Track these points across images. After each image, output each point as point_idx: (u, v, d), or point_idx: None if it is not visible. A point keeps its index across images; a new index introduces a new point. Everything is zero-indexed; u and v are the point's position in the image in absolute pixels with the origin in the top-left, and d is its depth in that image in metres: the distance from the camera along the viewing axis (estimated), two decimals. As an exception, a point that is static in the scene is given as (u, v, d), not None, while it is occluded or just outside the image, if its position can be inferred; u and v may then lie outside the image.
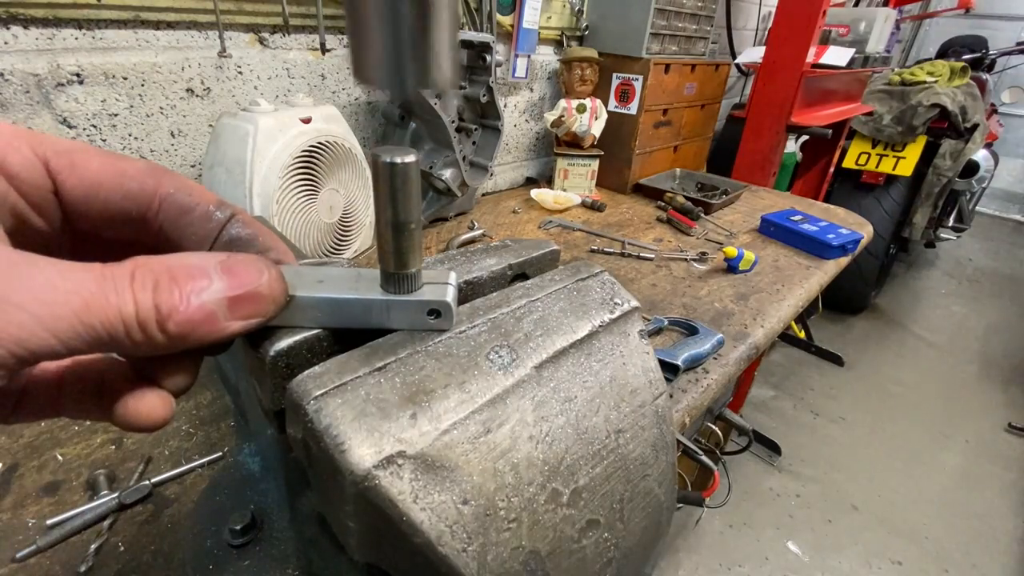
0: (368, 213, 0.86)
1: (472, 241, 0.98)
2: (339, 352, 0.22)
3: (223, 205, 0.21)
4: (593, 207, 1.19)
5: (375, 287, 0.22)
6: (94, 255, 0.19)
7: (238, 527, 0.39)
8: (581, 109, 1.18)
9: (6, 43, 0.61)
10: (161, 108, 0.74)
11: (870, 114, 2.06)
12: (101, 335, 0.15)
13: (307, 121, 0.71)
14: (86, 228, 0.19)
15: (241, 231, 0.22)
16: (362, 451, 0.18)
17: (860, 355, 2.27)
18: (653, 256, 0.95)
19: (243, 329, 0.19)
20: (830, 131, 1.68)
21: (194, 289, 0.17)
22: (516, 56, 1.14)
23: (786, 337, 2.23)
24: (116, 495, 0.42)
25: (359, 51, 0.18)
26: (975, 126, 2.12)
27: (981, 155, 2.33)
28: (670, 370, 0.60)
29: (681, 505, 0.72)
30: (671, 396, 0.58)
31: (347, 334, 0.24)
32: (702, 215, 1.13)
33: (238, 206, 0.22)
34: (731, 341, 0.69)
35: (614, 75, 1.22)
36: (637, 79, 1.19)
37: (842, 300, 2.47)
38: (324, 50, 0.84)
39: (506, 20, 1.09)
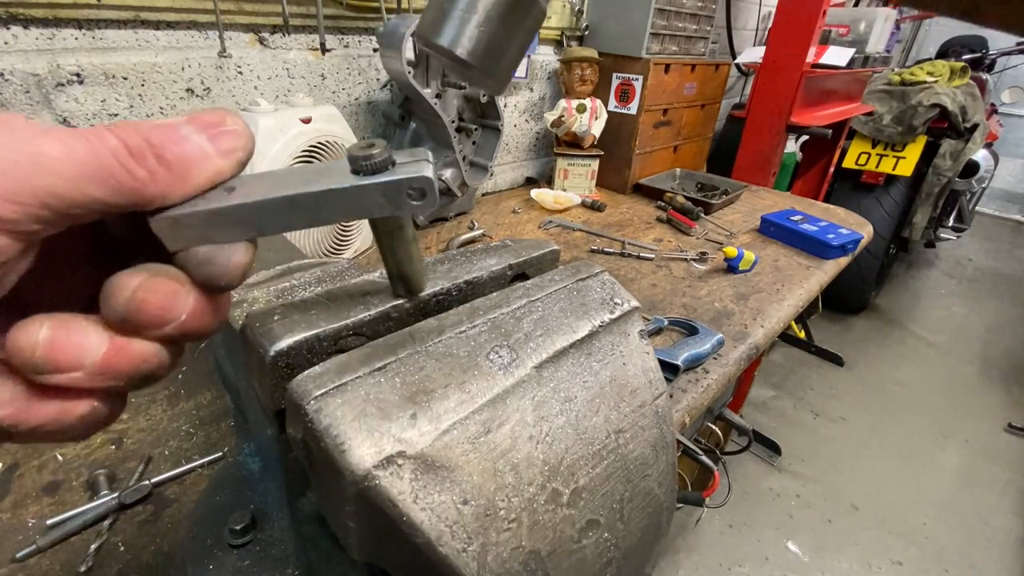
0: (368, 213, 0.86)
1: (472, 241, 0.98)
2: (339, 352, 0.22)
3: None
4: (593, 207, 1.19)
5: (347, 174, 0.21)
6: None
7: (238, 527, 0.39)
8: (581, 109, 1.18)
9: (6, 43, 0.61)
10: (161, 108, 0.74)
11: (870, 114, 2.06)
12: (101, 173, 0.16)
13: (307, 121, 0.71)
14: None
15: None
16: (362, 451, 0.18)
17: (860, 355, 2.27)
18: (653, 256, 0.95)
19: (233, 166, 0.19)
20: (830, 131, 1.68)
21: (173, 130, 0.18)
22: (516, 56, 1.14)
23: (786, 337, 2.23)
24: (116, 495, 0.42)
25: (433, 5, 0.18)
26: (975, 126, 2.12)
27: (981, 155, 2.33)
28: (670, 370, 0.60)
29: (681, 505, 0.72)
30: (671, 396, 0.58)
31: (349, 334, 0.24)
32: (702, 215, 1.13)
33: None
34: (731, 341, 0.69)
35: (614, 75, 1.22)
36: (637, 79, 1.19)
37: (842, 300, 2.47)
38: (324, 50, 0.84)
39: (506, 20, 1.09)
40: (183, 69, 0.74)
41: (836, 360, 2.20)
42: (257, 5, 0.77)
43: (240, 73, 0.80)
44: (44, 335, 0.17)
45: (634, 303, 0.29)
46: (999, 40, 2.85)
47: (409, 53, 0.78)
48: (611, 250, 0.96)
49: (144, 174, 0.17)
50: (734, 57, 1.93)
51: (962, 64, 2.16)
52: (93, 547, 0.38)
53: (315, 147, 0.72)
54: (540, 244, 0.33)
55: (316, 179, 0.20)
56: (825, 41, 1.65)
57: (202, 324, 0.19)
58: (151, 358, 0.19)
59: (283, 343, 0.22)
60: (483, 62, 0.19)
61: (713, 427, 1.19)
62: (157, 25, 0.70)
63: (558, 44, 1.28)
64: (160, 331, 0.18)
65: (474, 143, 1.01)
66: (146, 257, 0.20)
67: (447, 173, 0.93)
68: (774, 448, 1.73)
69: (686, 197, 1.20)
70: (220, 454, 0.47)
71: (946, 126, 2.08)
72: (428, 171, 0.20)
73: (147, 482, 0.43)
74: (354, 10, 0.88)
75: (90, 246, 0.21)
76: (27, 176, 0.14)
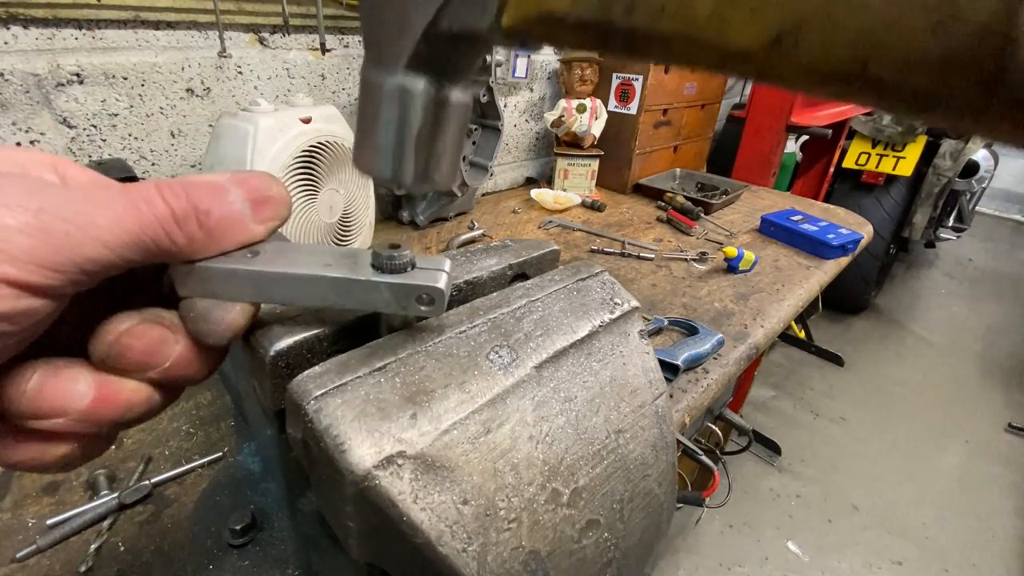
0: (368, 213, 0.86)
1: (472, 241, 0.98)
2: (339, 352, 0.22)
3: None
4: (593, 207, 1.19)
5: (366, 267, 0.21)
6: None
7: (238, 527, 0.39)
8: (581, 109, 1.18)
9: (6, 43, 0.61)
10: (161, 108, 0.74)
11: (870, 114, 2.06)
12: (143, 239, 0.16)
13: (307, 121, 0.71)
14: None
15: None
16: (362, 451, 0.18)
17: (860, 355, 2.27)
18: (653, 256, 0.95)
19: (266, 233, 0.20)
20: (830, 131, 1.68)
21: (222, 193, 0.18)
22: (516, 56, 1.14)
23: (786, 337, 2.23)
24: (116, 495, 0.42)
25: (365, 142, 0.20)
26: (975, 126, 2.12)
27: (981, 155, 2.33)
28: (670, 370, 0.60)
29: (681, 505, 0.72)
30: (671, 396, 0.58)
31: (347, 334, 0.24)
32: (702, 215, 1.13)
33: None
34: (731, 341, 0.69)
35: (614, 75, 1.22)
36: (637, 79, 1.19)
37: (842, 300, 2.47)
38: (324, 50, 0.84)
39: (506, 20, 1.09)
40: (183, 69, 0.74)
41: (836, 360, 2.20)
42: (257, 5, 0.77)
43: (240, 73, 0.80)
44: (32, 384, 0.17)
45: (634, 303, 0.29)
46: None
47: (409, 53, 0.78)
48: (611, 250, 0.96)
49: (184, 240, 0.17)
50: (734, 57, 1.92)
51: (962, 64, 2.16)
52: (93, 547, 0.38)
53: (315, 147, 0.72)
54: (540, 244, 0.33)
55: (336, 264, 0.21)
56: (825, 41, 1.65)
57: (188, 372, 0.20)
58: (138, 405, 0.19)
59: (283, 343, 0.22)
60: (428, 178, 0.20)
61: (713, 427, 1.19)
62: (157, 25, 0.70)
63: (558, 44, 1.28)
64: (143, 375, 0.19)
65: (474, 143, 1.01)
66: (154, 292, 0.21)
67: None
68: (774, 448, 1.73)
69: (686, 197, 1.20)
70: (220, 454, 0.47)
71: (946, 126, 2.07)
72: (442, 282, 0.21)
73: (147, 482, 0.43)
74: (354, 10, 0.88)
75: (104, 287, 0.21)
76: (74, 247, 0.15)
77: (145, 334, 0.18)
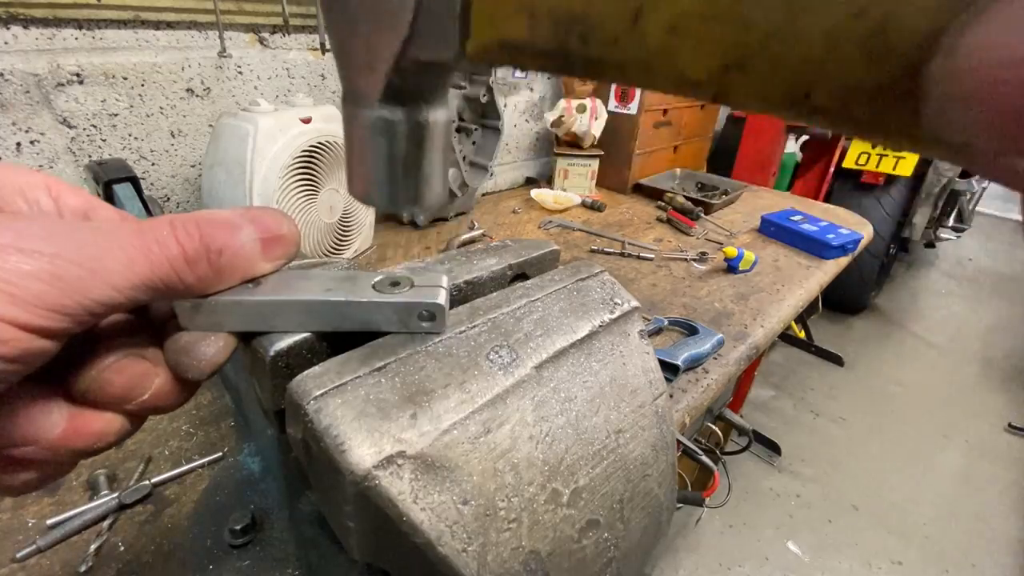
0: (368, 213, 0.86)
1: (472, 241, 0.98)
2: (339, 352, 0.22)
3: None
4: (593, 207, 1.19)
5: (367, 288, 0.22)
6: None
7: (238, 527, 0.39)
8: (581, 109, 1.18)
9: (6, 43, 0.61)
10: (161, 108, 0.74)
11: (870, 114, 2.06)
12: (153, 280, 0.17)
13: (307, 121, 0.71)
14: None
15: None
16: (362, 451, 0.18)
17: (860, 355, 2.27)
18: (653, 256, 0.95)
19: (273, 269, 0.21)
20: (830, 131, 1.68)
21: (234, 233, 0.19)
22: (516, 56, 1.14)
23: (786, 337, 2.23)
24: (116, 495, 0.42)
25: (355, 173, 0.21)
26: (975, 126, 2.12)
27: (981, 155, 2.33)
28: (670, 370, 0.60)
29: (681, 505, 0.72)
30: (671, 396, 0.58)
31: (348, 334, 0.24)
32: (702, 215, 1.13)
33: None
34: (731, 341, 0.69)
35: (614, 75, 1.22)
36: (637, 79, 1.19)
37: (842, 300, 2.47)
38: (324, 50, 0.84)
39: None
40: (183, 69, 0.74)
41: (836, 360, 2.20)
42: (257, 5, 0.77)
43: (240, 73, 0.80)
44: (5, 412, 0.17)
45: (634, 303, 0.29)
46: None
47: (409, 53, 0.78)
48: (611, 250, 0.96)
49: (194, 280, 0.18)
50: (734, 57, 1.92)
51: (962, 64, 2.16)
52: (93, 547, 0.38)
53: (315, 147, 0.72)
54: (540, 244, 0.33)
55: (336, 287, 0.21)
56: (825, 41, 1.65)
57: (164, 403, 0.20)
58: (107, 435, 0.19)
59: (283, 343, 0.22)
60: (420, 200, 0.21)
61: (713, 427, 1.19)
62: (157, 25, 0.70)
63: (558, 44, 1.28)
64: (120, 408, 0.19)
65: (474, 143, 1.01)
66: (138, 320, 0.21)
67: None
68: (774, 448, 1.73)
69: (686, 197, 1.20)
70: (220, 454, 0.47)
71: (946, 126, 2.08)
72: (442, 297, 0.22)
73: (147, 482, 0.43)
74: (354, 10, 0.88)
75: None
76: (85, 290, 0.15)
77: (127, 369, 0.18)
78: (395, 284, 0.22)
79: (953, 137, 0.09)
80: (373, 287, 0.22)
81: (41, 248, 0.15)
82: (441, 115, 0.20)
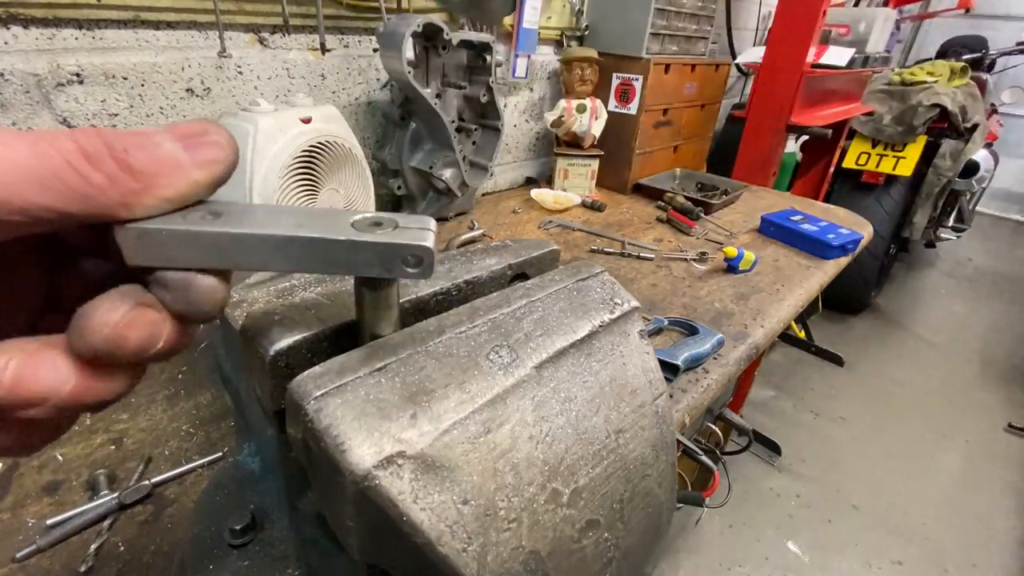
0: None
1: (472, 241, 0.98)
2: (339, 352, 0.22)
3: None
4: (593, 207, 1.19)
5: (345, 227, 0.19)
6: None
7: (238, 527, 0.39)
8: (581, 109, 1.18)
9: (6, 43, 0.61)
10: (161, 108, 0.74)
11: (870, 114, 2.06)
12: (50, 182, 0.14)
13: (307, 121, 0.71)
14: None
15: None
16: (362, 451, 0.18)
17: (860, 355, 2.27)
18: (653, 256, 0.95)
19: (210, 178, 0.18)
20: (830, 131, 1.68)
21: (144, 137, 0.16)
22: (516, 56, 1.14)
23: (786, 337, 2.23)
24: (116, 495, 0.42)
25: None
26: (975, 126, 2.12)
27: (981, 155, 2.33)
28: (670, 370, 0.60)
29: (681, 505, 0.72)
30: (671, 396, 0.58)
31: (349, 334, 0.24)
32: (702, 215, 1.13)
33: None
34: (731, 341, 0.69)
35: (614, 75, 1.22)
36: (637, 79, 1.19)
37: (842, 300, 2.47)
38: (324, 50, 0.84)
39: (506, 20, 1.09)
40: (183, 69, 0.74)
41: (836, 360, 2.20)
42: (257, 5, 0.77)
43: (240, 73, 0.80)
44: (11, 373, 0.15)
45: (634, 303, 0.29)
46: (999, 40, 2.85)
47: (409, 53, 0.78)
48: (611, 250, 0.96)
49: (101, 179, 0.15)
50: (734, 57, 1.93)
51: (962, 64, 2.16)
52: (93, 547, 0.38)
53: (315, 147, 0.72)
54: (540, 244, 0.33)
55: (311, 224, 0.19)
56: (825, 41, 1.65)
57: (172, 350, 0.18)
58: (118, 386, 0.17)
59: (283, 343, 0.22)
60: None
61: (713, 427, 1.19)
62: (157, 25, 0.70)
63: (558, 44, 1.28)
64: (134, 361, 0.17)
65: (474, 143, 1.01)
66: (106, 267, 0.19)
67: (447, 173, 0.93)
68: (774, 448, 1.73)
69: (686, 197, 1.20)
70: (220, 454, 0.47)
71: (946, 126, 2.08)
72: (430, 240, 0.19)
73: (147, 482, 0.43)
74: (354, 10, 0.88)
75: (42, 255, 0.19)
76: None
77: (141, 320, 0.17)
78: (377, 224, 0.20)
79: None
80: (352, 225, 0.19)
81: None
82: None
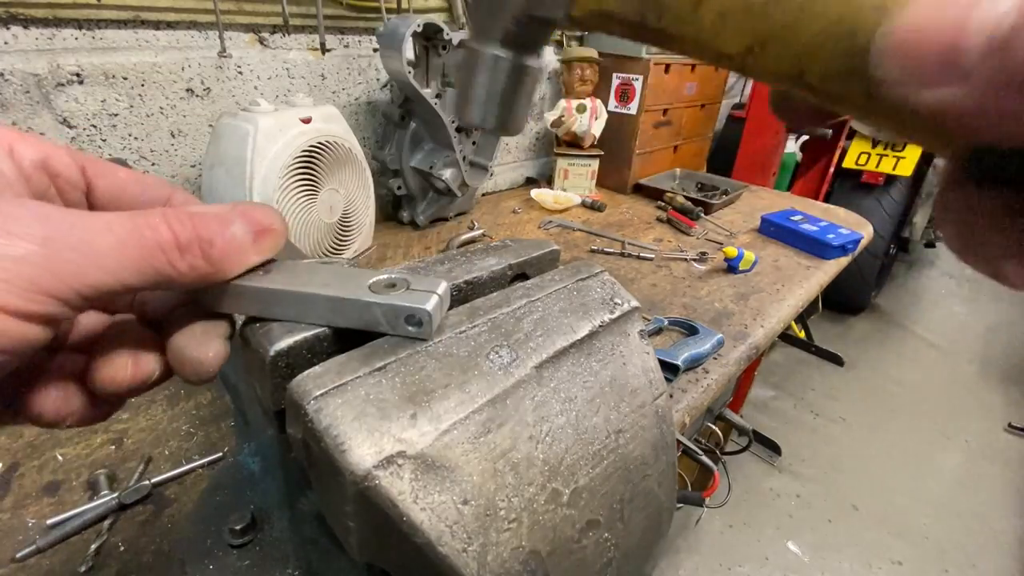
0: (368, 213, 0.86)
1: (472, 241, 0.98)
2: (339, 352, 0.22)
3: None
4: (593, 207, 1.19)
5: (362, 287, 0.22)
6: None
7: (238, 527, 0.39)
8: (581, 109, 1.18)
9: (6, 43, 0.61)
10: (161, 108, 0.74)
11: (870, 114, 2.06)
12: (144, 266, 0.17)
13: (307, 121, 0.71)
14: None
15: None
16: (362, 451, 0.18)
17: (860, 355, 2.27)
18: (653, 256, 0.95)
19: (261, 260, 0.21)
20: (830, 131, 1.68)
21: (224, 225, 0.19)
22: (516, 56, 1.14)
23: (786, 337, 2.23)
24: (116, 495, 0.42)
25: (464, 99, 0.26)
26: (975, 126, 2.12)
27: (981, 155, 2.33)
28: (670, 370, 0.60)
29: (681, 505, 0.72)
30: (671, 396, 0.58)
31: (350, 334, 0.24)
32: (702, 215, 1.13)
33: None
34: (731, 341, 0.69)
35: (614, 75, 1.22)
36: (637, 79, 1.19)
37: (842, 300, 2.47)
38: (324, 50, 0.84)
39: (506, 20, 1.09)
40: (183, 69, 0.74)
41: (836, 360, 2.20)
42: (257, 5, 0.77)
43: (240, 73, 0.80)
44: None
45: (634, 303, 0.29)
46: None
47: (409, 53, 0.78)
48: (611, 250, 0.96)
49: (186, 267, 0.18)
50: (734, 57, 1.92)
51: (962, 64, 2.16)
52: (93, 547, 0.38)
53: (315, 147, 0.72)
54: (540, 244, 0.33)
55: (334, 283, 0.22)
56: (825, 41, 1.65)
57: (158, 382, 0.22)
58: (111, 412, 0.23)
59: (283, 343, 0.22)
60: (505, 126, 0.27)
61: (713, 427, 1.19)
62: (157, 25, 0.70)
63: (558, 44, 1.28)
64: (131, 394, 0.22)
65: (474, 143, 1.01)
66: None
67: (447, 173, 0.93)
68: (774, 448, 1.73)
69: (686, 197, 1.20)
70: (220, 454, 0.47)
71: (946, 126, 2.07)
72: (431, 304, 0.22)
73: (147, 482, 0.43)
74: (354, 10, 0.88)
75: None
76: (76, 274, 0.15)
77: (131, 366, 0.20)
78: (391, 286, 0.23)
79: (892, 93, 0.12)
80: (369, 287, 0.22)
81: (32, 231, 0.14)
82: (538, 63, 0.26)
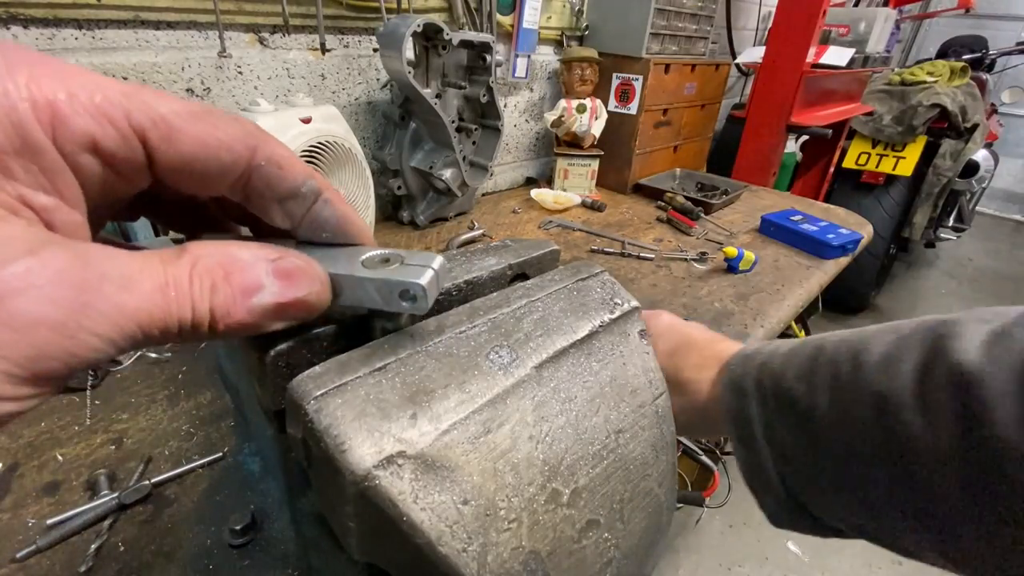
0: (368, 213, 0.86)
1: (472, 241, 0.98)
2: (339, 352, 0.22)
3: (311, 181, 0.21)
4: (593, 207, 1.19)
5: (355, 263, 0.21)
6: (169, 208, 0.22)
7: (238, 527, 0.39)
8: (581, 109, 1.18)
9: (6, 43, 0.61)
10: (161, 108, 0.74)
11: (870, 114, 2.06)
12: (155, 337, 0.15)
13: (307, 121, 0.71)
14: (172, 189, 0.19)
15: (327, 212, 0.21)
16: (362, 451, 0.18)
17: (860, 355, 2.27)
18: (653, 256, 0.95)
19: (279, 328, 0.19)
20: (830, 131, 1.68)
21: (247, 292, 0.17)
22: (516, 56, 1.14)
23: (786, 337, 2.23)
24: (116, 495, 0.42)
25: None
26: (975, 126, 2.12)
27: (981, 155, 2.33)
28: (670, 370, 0.60)
29: (681, 505, 0.72)
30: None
31: (348, 333, 0.24)
32: (702, 215, 1.13)
33: (327, 182, 0.22)
34: (731, 341, 0.69)
35: (614, 75, 1.22)
36: (637, 79, 1.19)
37: (842, 300, 2.47)
38: (324, 50, 0.84)
39: (506, 20, 1.09)
40: (183, 69, 0.74)
41: (836, 360, 2.19)
42: (257, 5, 0.77)
43: (240, 73, 0.80)
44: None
45: (634, 303, 0.29)
46: (999, 40, 2.85)
47: (409, 53, 0.78)
48: (611, 250, 0.96)
49: (190, 337, 0.16)
50: (734, 57, 1.93)
51: (962, 64, 2.16)
52: (93, 547, 0.38)
53: (315, 147, 0.72)
54: (540, 244, 0.33)
55: (327, 259, 0.21)
56: (825, 41, 1.65)
57: None
58: None
59: (283, 343, 0.22)
60: None
61: (713, 427, 1.19)
62: (157, 25, 0.70)
63: (558, 44, 1.28)
64: None
65: (474, 143, 1.01)
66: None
67: (447, 173, 0.93)
68: (774, 448, 1.73)
69: (686, 197, 1.20)
70: (220, 454, 0.47)
71: (946, 126, 2.07)
72: (425, 278, 0.21)
73: (147, 482, 0.43)
74: (354, 10, 0.88)
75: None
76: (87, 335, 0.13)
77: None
78: (385, 261, 0.22)
79: None
80: (362, 262, 0.21)
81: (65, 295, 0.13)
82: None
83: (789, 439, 0.31)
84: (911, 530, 0.26)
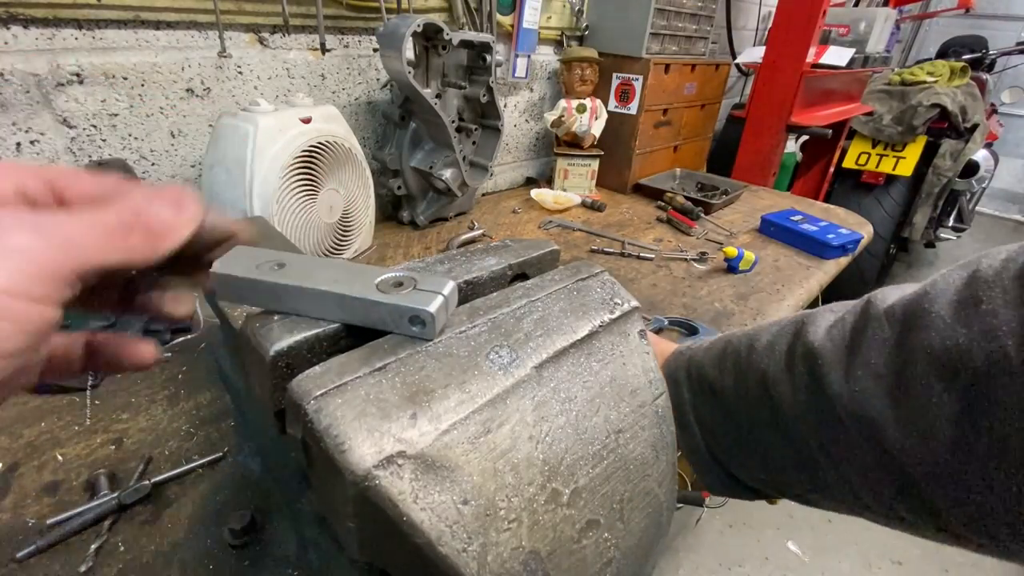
0: (368, 213, 0.86)
1: (472, 241, 0.98)
2: (339, 352, 0.22)
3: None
4: (593, 207, 1.19)
5: (369, 285, 0.23)
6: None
7: (238, 527, 0.39)
8: (581, 109, 1.18)
9: (6, 43, 0.61)
10: (161, 108, 0.74)
11: (870, 114, 2.06)
12: (109, 247, 0.19)
13: (307, 121, 0.71)
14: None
15: (209, 220, 0.25)
16: (362, 451, 0.18)
17: (860, 355, 2.27)
18: (653, 256, 0.95)
19: (191, 230, 0.22)
20: (830, 131, 1.68)
21: (150, 205, 0.21)
22: (516, 56, 1.14)
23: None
24: (116, 495, 0.42)
25: None
26: (975, 126, 2.12)
27: (981, 155, 2.32)
28: (670, 370, 0.60)
29: (681, 505, 0.72)
30: (671, 396, 0.58)
31: (348, 333, 0.24)
32: (702, 215, 1.13)
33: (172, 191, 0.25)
34: (731, 341, 0.69)
35: (614, 75, 1.22)
36: (637, 79, 1.19)
37: (842, 300, 2.46)
38: (324, 50, 0.84)
39: (506, 20, 1.09)
40: (183, 69, 0.74)
41: (836, 360, 2.19)
42: (257, 5, 0.77)
43: (240, 73, 0.80)
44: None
45: (634, 303, 0.29)
46: (999, 40, 2.85)
47: (409, 53, 0.78)
48: (611, 250, 0.96)
49: (137, 242, 0.20)
50: (734, 57, 1.93)
51: (962, 64, 2.16)
52: (93, 547, 0.38)
53: (315, 147, 0.72)
54: (540, 244, 0.33)
55: (343, 280, 0.23)
56: (825, 41, 1.65)
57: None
58: None
59: (283, 343, 0.22)
60: None
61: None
62: (157, 25, 0.70)
63: (558, 44, 1.28)
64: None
65: (474, 143, 1.01)
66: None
67: (447, 173, 0.93)
68: (774, 448, 1.73)
69: (686, 197, 1.20)
70: (220, 454, 0.47)
71: (946, 126, 2.07)
72: (434, 305, 0.22)
73: (147, 482, 0.43)
74: (354, 10, 0.88)
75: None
76: (67, 258, 0.18)
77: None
78: (399, 284, 0.23)
79: None
80: (376, 285, 0.23)
81: (26, 229, 0.17)
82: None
83: (710, 417, 0.38)
84: (797, 482, 0.32)
